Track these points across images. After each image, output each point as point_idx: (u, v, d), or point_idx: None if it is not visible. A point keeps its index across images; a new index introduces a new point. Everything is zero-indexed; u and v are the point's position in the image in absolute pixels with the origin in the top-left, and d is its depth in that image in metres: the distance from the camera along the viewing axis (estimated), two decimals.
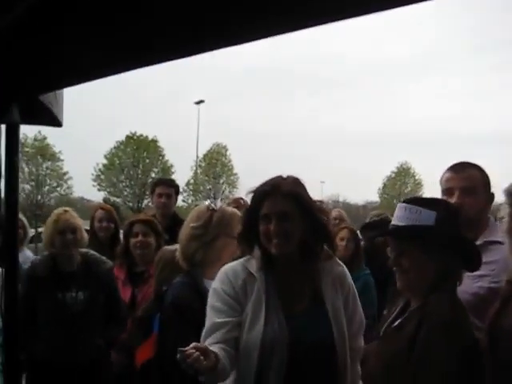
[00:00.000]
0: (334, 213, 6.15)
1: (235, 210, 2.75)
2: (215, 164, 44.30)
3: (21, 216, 4.13)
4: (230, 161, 44.99)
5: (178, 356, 1.68)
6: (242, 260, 2.21)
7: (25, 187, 39.58)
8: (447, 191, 2.56)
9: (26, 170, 39.61)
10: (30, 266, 3.73)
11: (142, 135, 43.05)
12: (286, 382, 2.02)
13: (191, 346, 1.72)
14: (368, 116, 79.43)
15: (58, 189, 40.80)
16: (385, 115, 79.93)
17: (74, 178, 40.67)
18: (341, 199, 50.92)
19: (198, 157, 43.88)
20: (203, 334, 2.04)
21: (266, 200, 2.11)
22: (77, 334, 3.35)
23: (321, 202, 2.52)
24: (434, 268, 1.97)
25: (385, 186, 49.36)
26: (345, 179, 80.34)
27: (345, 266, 2.29)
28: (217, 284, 2.15)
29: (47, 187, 40.50)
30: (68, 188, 41.08)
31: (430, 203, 2.04)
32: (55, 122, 2.41)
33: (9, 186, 2.07)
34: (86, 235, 3.71)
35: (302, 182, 2.20)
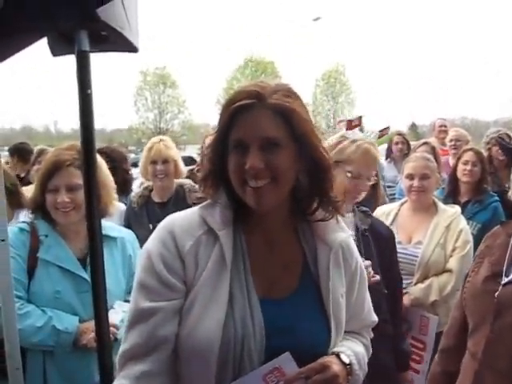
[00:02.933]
0: (452, 133, 5.57)
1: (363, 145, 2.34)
2: (334, 83, 43.26)
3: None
4: (348, 79, 43.73)
5: None
6: (198, 208, 1.41)
7: (149, 116, 41.71)
8: None
9: (150, 98, 41.55)
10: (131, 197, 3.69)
11: (259, 57, 43.05)
12: None
13: None
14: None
15: (180, 115, 42.45)
16: None
17: (196, 104, 42.34)
18: (470, 116, 47.43)
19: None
20: (126, 324, 1.34)
21: (239, 117, 1.31)
22: None
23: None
24: None
25: None
26: (475, 95, 75.17)
27: (349, 232, 1.50)
28: (153, 244, 1.35)
29: (169, 114, 42.28)
30: (189, 114, 42.62)
31: None
32: (130, 47, 2.20)
33: (84, 120, 1.93)
34: (182, 166, 3.58)
35: (296, 92, 1.36)
